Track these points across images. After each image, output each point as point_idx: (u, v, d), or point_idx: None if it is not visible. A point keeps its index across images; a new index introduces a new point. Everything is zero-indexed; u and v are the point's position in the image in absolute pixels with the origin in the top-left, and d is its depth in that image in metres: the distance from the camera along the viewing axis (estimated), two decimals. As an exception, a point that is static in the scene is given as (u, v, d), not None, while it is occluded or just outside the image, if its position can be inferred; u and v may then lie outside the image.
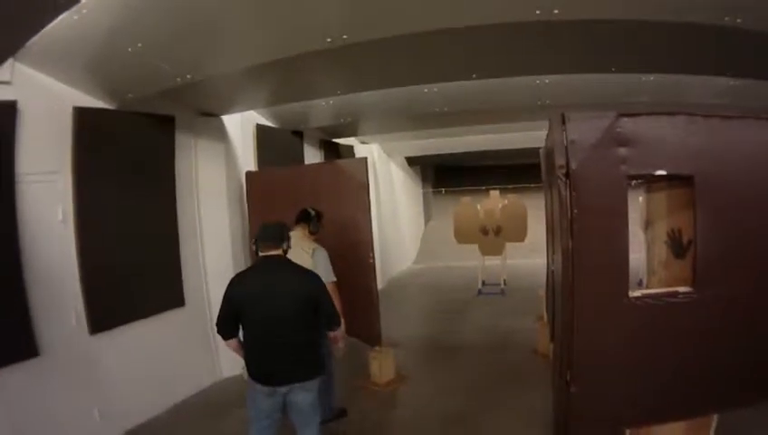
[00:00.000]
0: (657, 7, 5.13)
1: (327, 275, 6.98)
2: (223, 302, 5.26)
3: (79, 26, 5.26)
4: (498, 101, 10.13)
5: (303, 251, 6.86)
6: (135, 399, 7.49)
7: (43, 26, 5.37)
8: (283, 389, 5.20)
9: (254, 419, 5.38)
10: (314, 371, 5.34)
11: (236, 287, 5.28)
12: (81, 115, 6.91)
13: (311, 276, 5.41)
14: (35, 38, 5.60)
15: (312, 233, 7.17)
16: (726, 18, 5.28)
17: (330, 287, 6.87)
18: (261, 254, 5.34)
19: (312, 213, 7.30)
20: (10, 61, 5.99)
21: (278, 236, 5.36)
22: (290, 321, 5.11)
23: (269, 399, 5.24)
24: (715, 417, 5.00)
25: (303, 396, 5.30)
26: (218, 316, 5.29)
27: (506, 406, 7.67)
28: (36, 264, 6.30)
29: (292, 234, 6.96)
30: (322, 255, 7.06)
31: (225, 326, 5.26)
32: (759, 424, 5.84)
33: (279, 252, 5.33)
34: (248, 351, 5.28)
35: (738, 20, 5.29)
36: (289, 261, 5.37)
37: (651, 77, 8.51)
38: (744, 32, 5.50)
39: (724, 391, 4.76)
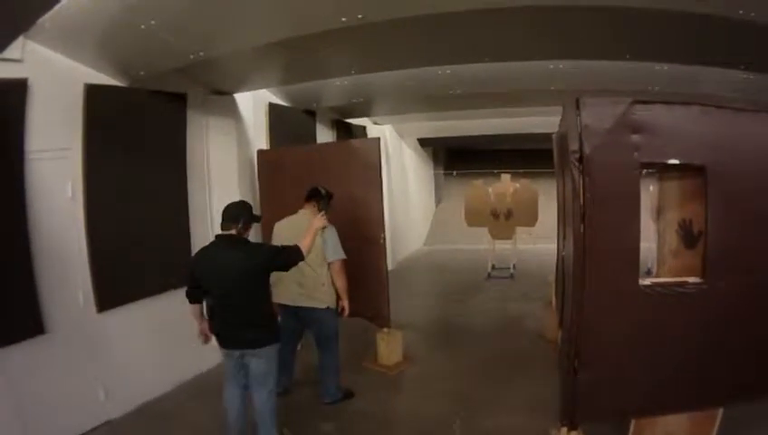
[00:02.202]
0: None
1: (336, 252, 7.10)
2: (188, 273, 5.94)
3: (91, 3, 5.25)
4: (511, 84, 10.10)
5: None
6: (141, 377, 7.53)
7: (54, 4, 5.35)
8: (236, 352, 5.88)
9: (225, 378, 6.12)
10: (263, 339, 5.84)
11: (196, 262, 5.94)
12: (93, 92, 6.87)
13: (253, 252, 5.86)
14: (46, 15, 5.58)
15: (320, 211, 7.16)
16: (740, 12, 5.24)
17: (338, 265, 7.01)
18: (218, 232, 5.89)
19: (323, 191, 7.32)
20: (21, 39, 5.96)
21: (233, 217, 5.80)
22: (236, 293, 5.68)
23: (228, 360, 6.00)
24: (720, 410, 4.99)
25: (256, 362, 5.87)
26: (187, 285, 5.99)
27: (513, 391, 7.69)
28: (44, 241, 6.30)
29: (301, 211, 7.04)
30: (332, 232, 7.12)
31: (191, 294, 6.01)
32: (763, 418, 5.82)
33: (233, 231, 5.77)
34: (210, 316, 5.99)
35: (752, 14, 5.25)
36: (239, 239, 5.81)
37: (665, 66, 8.46)
38: (756, 26, 5.46)
39: (732, 384, 4.75)
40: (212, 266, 5.73)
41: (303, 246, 6.10)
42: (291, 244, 6.13)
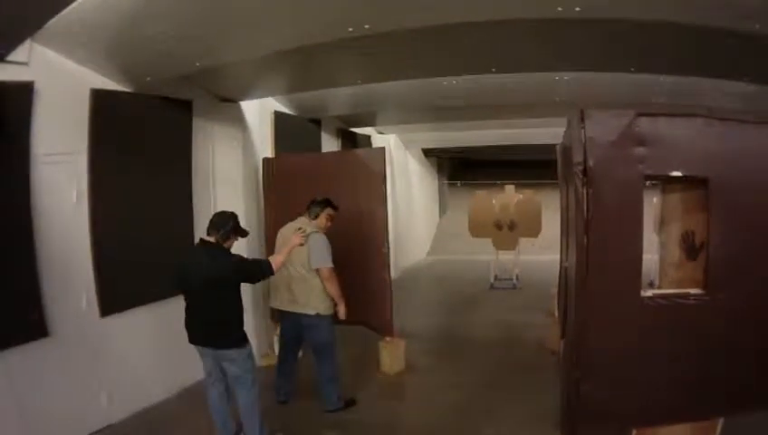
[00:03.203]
0: (675, 9, 5.11)
1: (320, 260, 7.09)
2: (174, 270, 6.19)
3: (98, 8, 5.26)
4: (516, 95, 10.12)
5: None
6: (143, 382, 7.55)
7: (62, 8, 5.37)
8: (208, 350, 6.12)
9: (205, 378, 6.40)
10: (226, 342, 6.04)
11: (179, 261, 6.21)
12: (99, 97, 6.88)
13: (220, 261, 5.96)
14: (54, 19, 5.58)
15: (310, 218, 7.28)
16: (744, 24, 5.26)
17: (326, 272, 7.02)
18: (202, 237, 6.17)
19: (318, 199, 7.39)
20: (28, 42, 5.95)
21: (215, 225, 6.04)
22: (200, 296, 5.97)
23: (204, 358, 6.24)
24: (721, 420, 4.99)
25: (228, 365, 6.12)
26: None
27: (515, 401, 7.69)
28: (49, 244, 6.31)
29: (299, 218, 7.14)
30: (317, 240, 7.10)
31: (176, 286, 6.26)
32: (764, 429, 5.81)
33: (212, 239, 5.99)
34: (185, 312, 6.18)
35: (756, 26, 5.27)
36: (215, 247, 6.00)
37: (669, 78, 8.47)
38: (761, 37, 5.47)
39: (734, 395, 4.75)
40: (186, 267, 6.04)
41: (275, 262, 6.33)
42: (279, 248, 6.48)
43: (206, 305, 5.94)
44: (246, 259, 6.39)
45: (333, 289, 7.18)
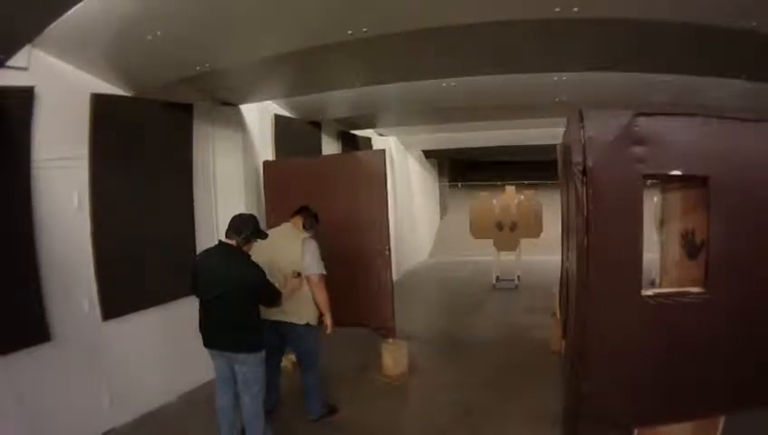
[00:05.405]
0: (674, 8, 5.11)
1: (313, 265, 6.95)
2: (191, 271, 6.16)
3: (98, 13, 5.26)
4: (516, 96, 10.11)
5: (295, 238, 6.99)
6: (146, 385, 7.55)
7: (61, 12, 5.37)
8: (215, 352, 6.09)
9: (217, 381, 6.34)
10: (243, 346, 6.01)
11: (197, 261, 6.30)
12: (99, 102, 6.90)
13: (245, 269, 5.98)
14: (53, 24, 5.59)
15: (304, 228, 7.23)
16: (742, 21, 5.27)
17: (316, 279, 6.90)
18: (221, 239, 6.12)
19: (313, 212, 7.42)
20: (27, 47, 5.98)
21: (236, 228, 6.03)
22: (222, 299, 5.86)
23: (217, 361, 6.17)
24: (723, 419, 4.99)
25: (239, 367, 6.07)
26: (190, 283, 6.19)
27: (517, 402, 7.68)
28: (51, 249, 6.32)
29: (284, 224, 7.17)
30: (311, 245, 7.00)
31: (192, 288, 6.18)
32: (765, 429, 5.81)
33: (233, 242, 5.99)
34: (199, 314, 6.13)
35: (753, 23, 5.28)
36: (235, 251, 6.00)
37: (669, 77, 8.47)
38: (759, 35, 5.48)
39: (735, 393, 4.75)
40: (205, 269, 6.03)
41: (284, 295, 6.46)
42: (264, 253, 6.42)
43: (224, 309, 5.89)
44: (265, 279, 6.21)
45: (322, 297, 7.00)
